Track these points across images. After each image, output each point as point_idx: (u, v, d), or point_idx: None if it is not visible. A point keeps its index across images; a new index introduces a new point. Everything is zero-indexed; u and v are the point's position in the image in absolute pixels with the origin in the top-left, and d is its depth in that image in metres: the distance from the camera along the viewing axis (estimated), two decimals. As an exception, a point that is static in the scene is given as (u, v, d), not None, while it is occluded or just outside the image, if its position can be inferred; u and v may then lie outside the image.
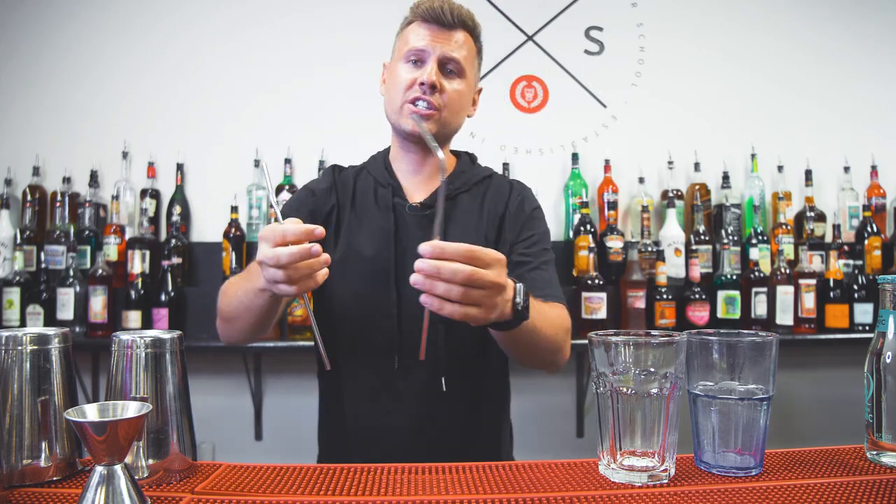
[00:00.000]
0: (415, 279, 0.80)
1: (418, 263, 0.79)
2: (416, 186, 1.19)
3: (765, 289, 2.24)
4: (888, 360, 0.80)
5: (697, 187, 2.46)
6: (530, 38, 2.54)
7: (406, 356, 1.09)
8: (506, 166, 2.45)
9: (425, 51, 1.11)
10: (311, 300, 0.84)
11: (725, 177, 2.45)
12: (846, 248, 2.41)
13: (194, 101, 2.46)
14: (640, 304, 2.19)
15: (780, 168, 2.52)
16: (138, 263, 2.18)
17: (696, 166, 2.48)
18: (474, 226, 1.17)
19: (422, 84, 1.09)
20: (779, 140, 2.57)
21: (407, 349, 1.09)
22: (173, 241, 2.26)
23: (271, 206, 0.85)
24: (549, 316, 1.04)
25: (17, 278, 2.17)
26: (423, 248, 0.79)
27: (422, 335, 0.85)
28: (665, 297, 2.21)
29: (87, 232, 2.27)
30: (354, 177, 1.22)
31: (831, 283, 2.30)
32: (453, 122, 1.16)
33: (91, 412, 0.63)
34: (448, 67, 1.12)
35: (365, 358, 1.13)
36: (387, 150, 1.25)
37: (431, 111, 1.11)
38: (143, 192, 2.36)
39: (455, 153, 1.26)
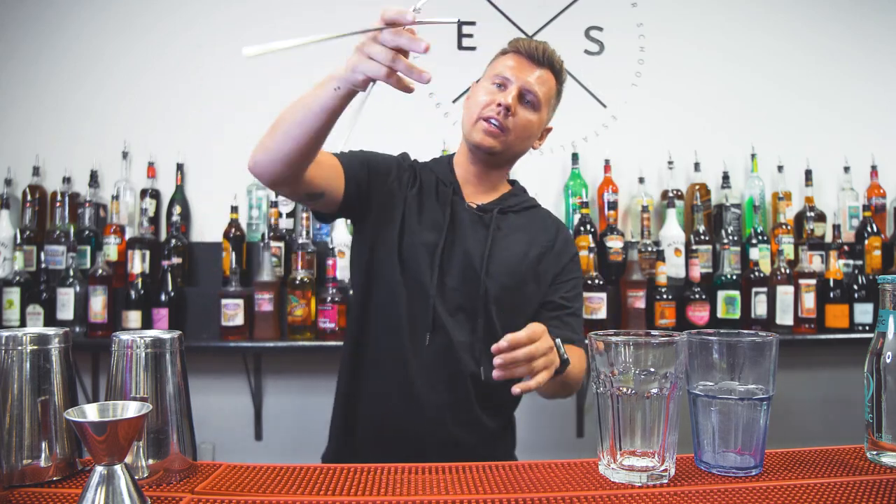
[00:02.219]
0: (497, 374, 0.97)
1: (497, 360, 0.96)
2: (474, 192, 1.30)
3: (765, 289, 2.24)
4: (888, 360, 0.80)
5: (697, 187, 2.46)
6: (530, 37, 2.54)
7: (436, 337, 1.17)
8: (506, 166, 2.45)
9: (510, 78, 1.22)
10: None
11: (725, 177, 2.45)
12: (846, 248, 2.41)
13: (194, 101, 2.45)
14: (640, 304, 2.19)
15: (780, 168, 2.52)
16: (138, 263, 2.18)
17: (696, 166, 2.48)
18: (525, 242, 1.27)
19: (499, 104, 1.20)
20: (779, 140, 2.57)
21: (438, 331, 1.18)
22: (173, 241, 2.26)
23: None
24: (579, 360, 1.22)
25: (17, 278, 2.16)
26: (502, 344, 0.96)
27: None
28: (665, 297, 2.21)
29: (87, 232, 2.27)
30: (420, 169, 1.32)
31: (831, 283, 2.30)
32: (517, 146, 1.25)
33: (91, 412, 0.63)
34: (526, 98, 1.23)
35: (398, 337, 1.19)
36: (451, 156, 1.35)
37: (500, 130, 1.21)
38: (143, 192, 2.36)
39: (512, 182, 1.38)
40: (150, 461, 0.75)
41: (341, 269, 2.16)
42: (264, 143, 1.11)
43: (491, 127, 1.20)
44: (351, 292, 1.48)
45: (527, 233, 1.29)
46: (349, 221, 1.99)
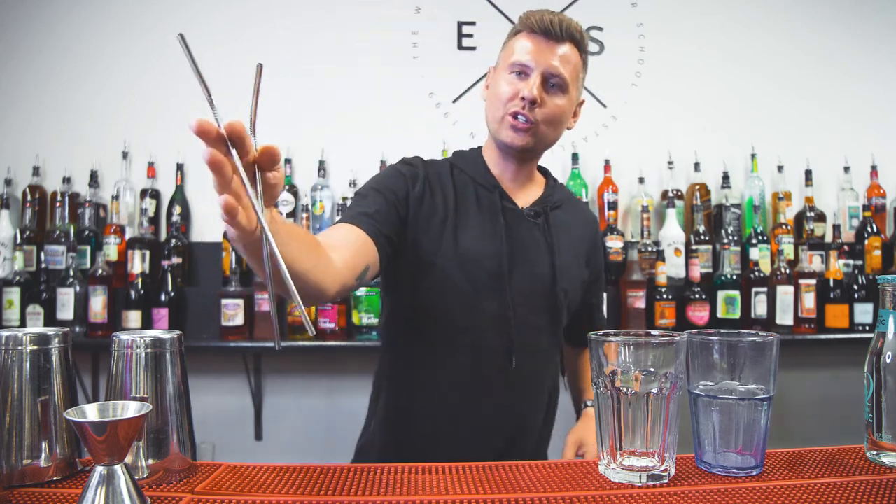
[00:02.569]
0: None
1: None
2: (515, 191, 1.21)
3: (765, 289, 2.24)
4: (888, 360, 0.80)
5: (697, 187, 2.46)
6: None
7: (503, 365, 1.12)
8: (506, 166, 2.45)
9: (530, 64, 1.12)
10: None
11: (725, 177, 2.45)
12: (846, 248, 2.41)
13: (194, 101, 2.42)
14: (640, 304, 2.19)
15: (780, 168, 2.52)
16: (138, 263, 2.18)
17: (696, 166, 2.48)
18: (573, 241, 1.24)
19: (523, 98, 1.11)
20: (779, 140, 2.57)
21: (505, 356, 1.13)
22: (173, 241, 2.26)
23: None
24: None
25: (17, 278, 2.16)
26: None
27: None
28: (665, 297, 2.21)
29: (87, 232, 2.27)
30: (450, 172, 1.20)
31: (831, 283, 2.30)
32: (550, 135, 1.17)
33: (91, 412, 0.63)
34: (551, 82, 1.13)
35: (453, 362, 1.13)
36: (478, 150, 1.25)
37: (529, 125, 1.12)
38: (143, 192, 2.36)
39: (540, 169, 1.29)
40: (150, 461, 0.75)
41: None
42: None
43: (519, 123, 1.12)
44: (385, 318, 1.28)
45: (573, 231, 1.25)
46: None
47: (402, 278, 1.15)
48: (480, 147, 1.26)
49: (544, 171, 1.30)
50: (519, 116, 1.12)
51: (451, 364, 1.13)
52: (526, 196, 1.22)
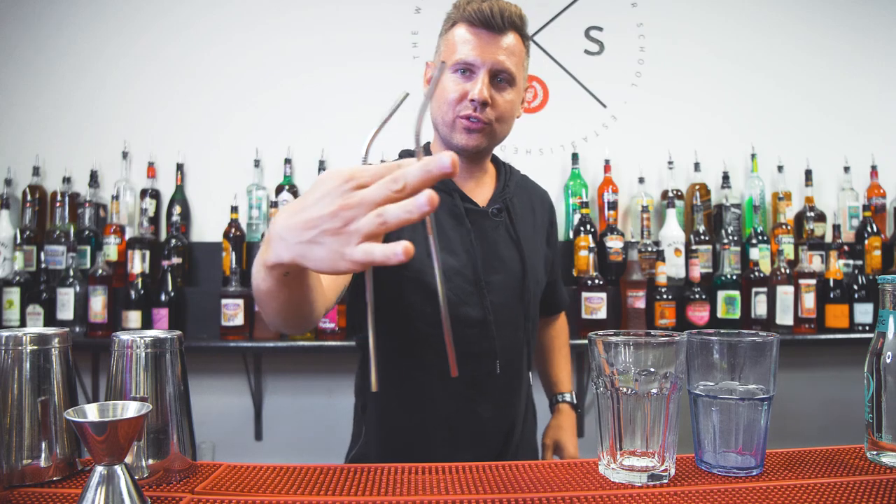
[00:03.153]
0: None
1: None
2: (473, 190, 1.19)
3: (765, 289, 2.24)
4: (888, 360, 0.80)
5: (697, 187, 2.46)
6: (530, 38, 2.53)
7: (488, 364, 1.12)
8: (506, 166, 2.45)
9: (475, 63, 1.07)
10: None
11: (725, 177, 2.45)
12: (846, 248, 2.41)
13: (194, 101, 2.46)
14: (640, 304, 2.19)
15: (780, 168, 2.52)
16: (138, 263, 2.18)
17: (696, 166, 2.48)
18: (534, 229, 1.25)
19: (473, 100, 1.07)
20: (779, 140, 2.57)
21: (488, 356, 1.12)
22: (173, 241, 2.26)
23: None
24: (566, 351, 1.45)
25: (17, 278, 2.17)
26: None
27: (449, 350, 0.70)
28: (665, 297, 2.21)
29: (87, 232, 2.27)
30: None
31: (831, 283, 2.30)
32: (504, 130, 1.15)
33: (91, 412, 0.63)
34: (499, 77, 1.09)
35: (440, 366, 1.11)
36: (426, 150, 1.21)
37: (482, 126, 1.09)
38: (143, 192, 2.36)
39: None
40: (150, 461, 0.75)
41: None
42: (263, 315, 0.86)
43: (471, 124, 1.08)
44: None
45: (532, 219, 1.25)
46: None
47: (382, 292, 1.10)
48: (427, 145, 1.22)
49: (494, 159, 1.27)
50: (471, 119, 1.08)
51: (438, 373, 1.11)
52: (483, 192, 1.20)
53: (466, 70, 1.08)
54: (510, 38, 1.09)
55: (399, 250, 0.52)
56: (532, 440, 1.32)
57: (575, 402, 1.38)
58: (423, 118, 0.57)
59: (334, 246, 0.55)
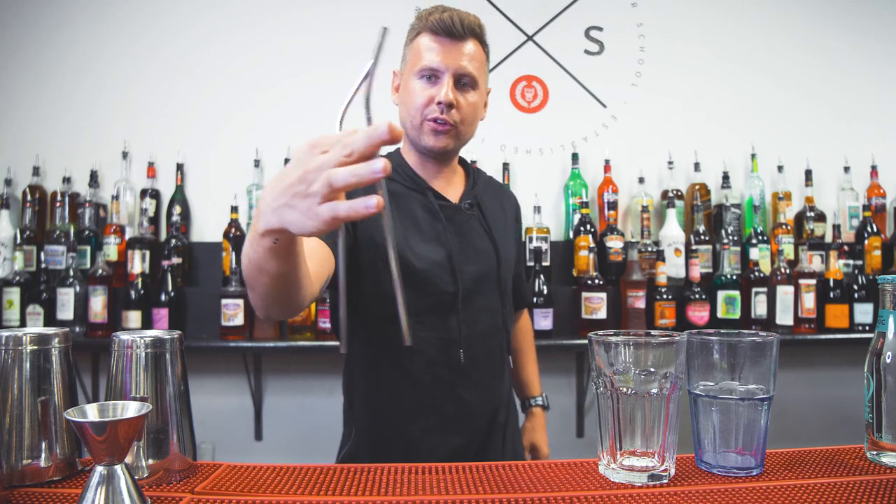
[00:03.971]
0: None
1: None
2: (445, 188, 1.26)
3: (765, 289, 2.24)
4: (888, 360, 0.80)
5: (697, 187, 2.46)
6: (530, 38, 2.54)
7: (469, 349, 1.18)
8: (506, 166, 2.45)
9: (439, 68, 1.15)
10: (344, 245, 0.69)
11: (725, 177, 2.45)
12: (846, 248, 2.41)
13: (194, 101, 2.46)
14: (640, 304, 2.19)
15: (780, 168, 2.52)
16: (138, 263, 2.18)
17: (696, 166, 2.48)
18: (504, 222, 1.32)
19: (439, 103, 1.14)
20: (779, 140, 2.57)
21: (472, 339, 1.18)
22: (173, 241, 2.26)
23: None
24: (533, 353, 1.53)
25: (17, 278, 2.17)
26: None
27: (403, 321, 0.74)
28: (665, 297, 2.21)
29: (87, 232, 2.27)
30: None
31: (831, 283, 2.30)
32: (469, 132, 1.22)
33: (91, 412, 0.63)
34: (462, 81, 1.17)
35: (423, 353, 1.16)
36: (398, 154, 1.27)
37: (448, 127, 1.16)
38: (143, 192, 2.36)
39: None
40: (150, 461, 0.75)
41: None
42: (252, 298, 0.89)
43: (438, 126, 1.16)
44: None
45: (502, 214, 1.33)
46: None
47: (360, 284, 1.16)
48: (398, 150, 1.28)
49: (461, 161, 1.34)
50: (438, 121, 1.16)
51: (423, 359, 1.16)
52: (454, 190, 1.27)
53: (432, 76, 1.16)
54: (470, 46, 1.17)
55: (372, 203, 0.58)
56: (516, 426, 1.37)
57: (546, 404, 1.50)
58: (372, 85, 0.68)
59: (303, 207, 0.62)
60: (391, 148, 1.28)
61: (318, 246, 1.03)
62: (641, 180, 2.45)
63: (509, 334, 1.29)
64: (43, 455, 0.74)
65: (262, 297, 0.85)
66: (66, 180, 2.35)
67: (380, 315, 1.14)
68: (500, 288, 1.24)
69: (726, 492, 0.71)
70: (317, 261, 0.99)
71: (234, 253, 2.25)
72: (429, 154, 1.22)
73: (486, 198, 1.30)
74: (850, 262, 2.38)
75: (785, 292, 2.23)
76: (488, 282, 1.22)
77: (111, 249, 2.24)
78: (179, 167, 2.40)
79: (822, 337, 2.24)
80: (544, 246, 2.29)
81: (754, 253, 2.29)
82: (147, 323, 2.14)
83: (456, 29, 1.14)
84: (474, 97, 1.19)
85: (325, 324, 2.13)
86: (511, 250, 1.32)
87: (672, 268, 2.30)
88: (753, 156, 2.52)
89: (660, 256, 2.25)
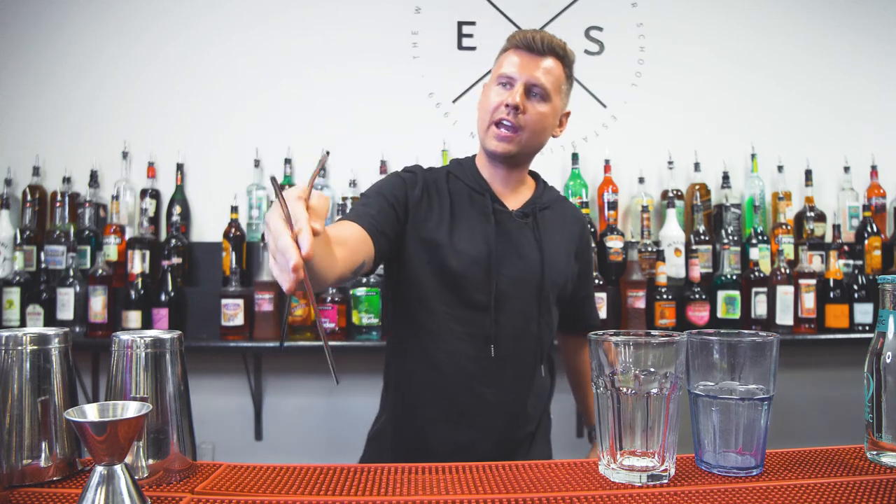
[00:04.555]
0: None
1: None
2: (506, 195, 1.30)
3: (765, 289, 2.24)
4: (888, 360, 0.80)
5: (697, 187, 2.46)
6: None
7: (497, 348, 1.21)
8: (506, 166, 2.45)
9: (514, 76, 1.22)
10: (313, 304, 0.77)
11: (725, 177, 2.45)
12: (846, 248, 2.41)
13: (194, 101, 2.46)
14: (640, 304, 2.19)
15: (780, 168, 2.52)
16: (138, 263, 2.18)
17: (696, 166, 2.48)
18: (561, 238, 1.33)
19: (507, 105, 1.20)
20: (779, 140, 2.57)
21: (501, 339, 1.21)
22: (173, 241, 2.26)
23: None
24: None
25: (17, 278, 2.16)
26: None
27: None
28: (665, 297, 2.21)
29: (87, 232, 2.27)
30: (445, 178, 1.30)
31: (831, 283, 2.30)
32: (534, 141, 1.25)
33: (91, 412, 0.63)
34: (533, 91, 1.22)
35: (451, 344, 1.21)
36: (472, 159, 1.34)
37: (511, 132, 1.22)
38: (143, 192, 2.36)
39: (531, 174, 1.38)
40: (150, 461, 0.75)
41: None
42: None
43: (502, 132, 1.21)
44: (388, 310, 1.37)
45: (561, 229, 1.34)
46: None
47: (402, 273, 1.23)
48: (475, 155, 1.35)
49: (535, 176, 1.39)
50: (504, 122, 1.21)
51: (452, 352, 1.20)
52: (516, 199, 1.30)
53: (507, 83, 1.23)
54: (549, 62, 1.24)
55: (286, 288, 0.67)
56: (545, 444, 1.38)
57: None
58: (314, 181, 0.74)
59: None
60: (469, 153, 1.36)
61: (354, 232, 1.07)
62: (641, 180, 2.45)
63: (545, 344, 1.29)
64: (43, 455, 0.74)
65: None
66: (66, 180, 2.35)
67: (414, 297, 1.21)
68: (539, 296, 1.25)
69: (726, 492, 0.71)
70: (349, 248, 1.02)
71: (234, 253, 2.25)
72: (494, 158, 1.27)
73: (547, 212, 1.32)
74: (850, 262, 2.38)
75: (785, 292, 2.23)
76: (527, 287, 1.24)
77: (111, 249, 2.24)
78: (179, 167, 2.40)
79: (822, 337, 2.24)
80: (544, 246, 2.29)
81: (754, 253, 2.29)
82: (147, 323, 2.14)
83: (536, 45, 1.22)
84: (544, 108, 1.23)
85: (325, 323, 2.13)
86: (562, 265, 1.31)
87: (672, 268, 2.30)
88: (753, 156, 2.52)
89: (660, 256, 2.25)
